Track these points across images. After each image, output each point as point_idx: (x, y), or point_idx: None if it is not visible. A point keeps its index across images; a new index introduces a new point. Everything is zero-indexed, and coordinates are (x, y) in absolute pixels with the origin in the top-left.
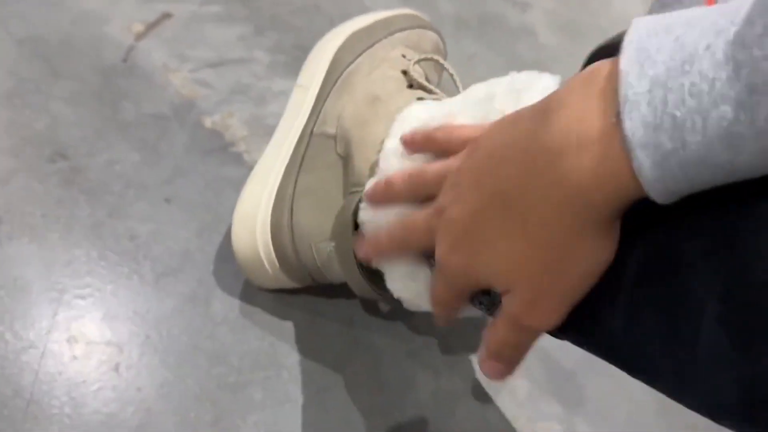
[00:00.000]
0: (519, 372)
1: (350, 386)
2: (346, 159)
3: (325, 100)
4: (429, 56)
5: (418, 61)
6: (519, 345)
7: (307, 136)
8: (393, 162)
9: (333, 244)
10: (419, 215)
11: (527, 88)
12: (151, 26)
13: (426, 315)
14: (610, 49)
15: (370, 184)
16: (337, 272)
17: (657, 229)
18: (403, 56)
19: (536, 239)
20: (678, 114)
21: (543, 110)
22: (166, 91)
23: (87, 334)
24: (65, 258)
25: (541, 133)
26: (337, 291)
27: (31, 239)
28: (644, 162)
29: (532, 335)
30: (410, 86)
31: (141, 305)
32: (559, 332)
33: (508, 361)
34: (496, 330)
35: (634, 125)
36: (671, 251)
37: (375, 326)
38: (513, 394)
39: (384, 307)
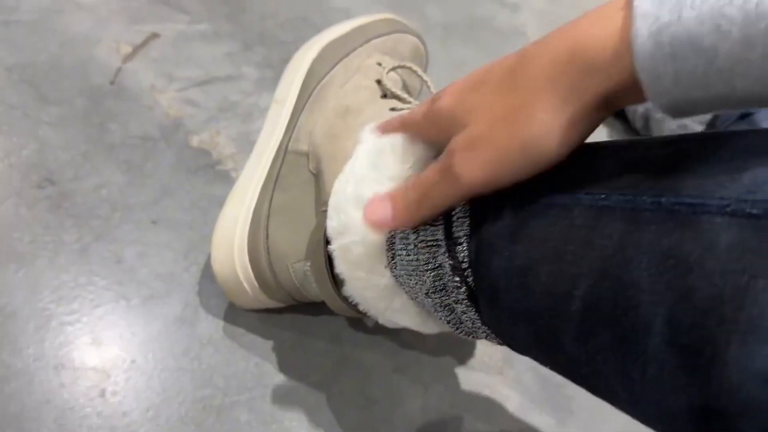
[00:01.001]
0: (510, 384)
1: (338, 404)
2: (317, 176)
3: (299, 116)
4: (403, 64)
5: (393, 69)
6: (429, 192)
7: (282, 154)
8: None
9: (308, 263)
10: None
11: None
12: (138, 47)
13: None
14: None
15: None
16: (315, 291)
17: (605, 248)
18: (379, 64)
19: (516, 85)
20: None
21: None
22: (154, 112)
23: (74, 360)
24: (53, 284)
25: (569, 23)
26: (323, 309)
27: (18, 266)
28: (641, 30)
29: (449, 188)
30: (384, 96)
31: (127, 329)
32: (522, 350)
33: (402, 208)
34: (424, 170)
35: None
36: (619, 270)
37: (362, 343)
38: (504, 407)
39: (370, 322)
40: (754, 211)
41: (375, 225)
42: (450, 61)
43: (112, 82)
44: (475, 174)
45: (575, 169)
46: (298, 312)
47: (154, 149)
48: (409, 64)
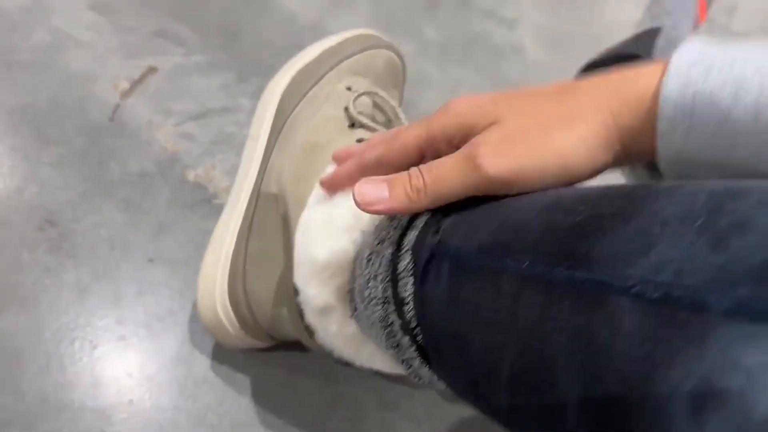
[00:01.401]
0: None
1: None
2: (285, 220)
3: (271, 154)
4: (369, 90)
5: (362, 95)
6: (443, 177)
7: (255, 196)
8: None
9: (285, 309)
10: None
11: None
12: (136, 83)
13: None
14: (602, 63)
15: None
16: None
17: (527, 320)
18: (348, 89)
19: (563, 99)
20: (716, 61)
21: None
22: (152, 147)
23: (74, 402)
24: (54, 326)
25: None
26: None
27: (19, 310)
28: (671, 82)
29: (467, 177)
30: (352, 125)
31: (125, 369)
32: (458, 394)
33: (401, 192)
34: (443, 158)
35: (679, 58)
36: (539, 345)
37: (354, 378)
38: None
39: None
40: (655, 296)
41: (367, 205)
42: (447, 82)
43: (110, 119)
44: (503, 167)
45: (505, 226)
46: (289, 349)
47: (152, 185)
48: (374, 90)
